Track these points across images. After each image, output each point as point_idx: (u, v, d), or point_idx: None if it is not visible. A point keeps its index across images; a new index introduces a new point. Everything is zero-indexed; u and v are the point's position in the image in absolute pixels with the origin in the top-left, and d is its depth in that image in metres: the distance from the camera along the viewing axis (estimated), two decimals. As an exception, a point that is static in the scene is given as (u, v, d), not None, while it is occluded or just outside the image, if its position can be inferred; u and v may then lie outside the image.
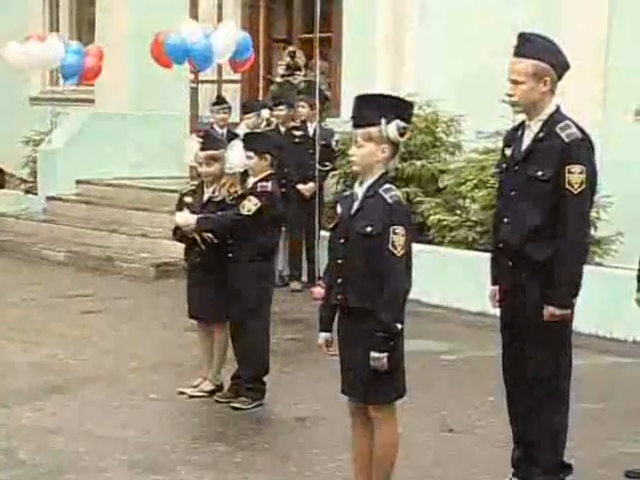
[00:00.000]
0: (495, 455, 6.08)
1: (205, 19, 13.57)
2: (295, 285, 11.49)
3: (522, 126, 5.51)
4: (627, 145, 10.54)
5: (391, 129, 4.98)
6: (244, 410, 7.14)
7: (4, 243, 14.15)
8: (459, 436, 6.67)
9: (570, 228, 5.25)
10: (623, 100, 10.78)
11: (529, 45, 5.32)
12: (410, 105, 5.29)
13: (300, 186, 11.37)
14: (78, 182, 15.20)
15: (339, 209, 5.25)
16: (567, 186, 5.23)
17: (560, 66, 5.34)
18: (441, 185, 11.41)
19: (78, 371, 8.13)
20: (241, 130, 10.77)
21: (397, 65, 12.74)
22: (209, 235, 7.25)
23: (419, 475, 5.95)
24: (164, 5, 14.22)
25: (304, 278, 11.58)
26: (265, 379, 7.33)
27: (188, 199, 7.53)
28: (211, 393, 7.43)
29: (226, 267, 7.24)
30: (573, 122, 5.34)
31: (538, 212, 5.32)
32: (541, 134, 5.35)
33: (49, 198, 15.11)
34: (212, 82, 13.77)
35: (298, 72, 13.77)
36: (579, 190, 5.24)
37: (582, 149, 5.29)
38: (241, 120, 12.17)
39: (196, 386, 7.49)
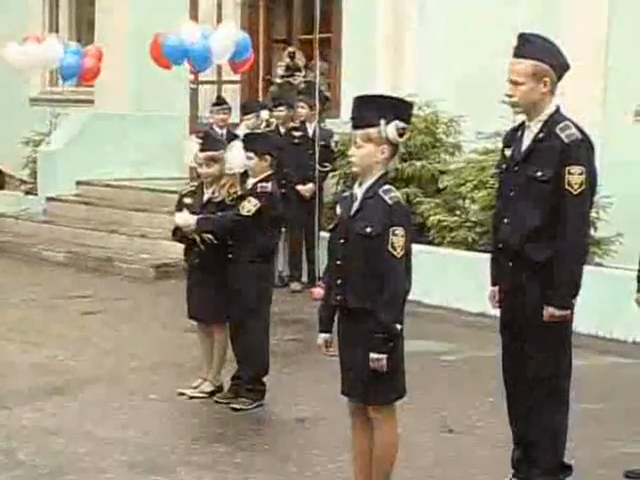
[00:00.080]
0: (495, 456, 6.07)
1: (205, 19, 13.57)
2: (295, 286, 11.49)
3: (522, 127, 5.51)
4: (627, 145, 10.54)
5: (390, 130, 4.97)
6: (244, 411, 7.13)
7: (4, 244, 14.14)
8: (459, 437, 6.67)
9: (570, 229, 5.25)
10: (623, 100, 10.77)
11: (529, 46, 5.32)
12: (409, 105, 5.29)
13: (300, 187, 11.37)
14: (78, 183, 15.20)
15: (339, 210, 5.25)
16: (567, 187, 5.23)
17: (560, 67, 5.35)
18: (441, 186, 11.42)
19: (78, 372, 8.13)
20: (241, 131, 10.77)
21: (397, 65, 12.74)
22: (209, 236, 7.25)
23: (419, 475, 5.94)
24: (164, 6, 14.23)
25: (304, 279, 11.58)
26: (265, 380, 7.33)
27: (188, 200, 7.52)
28: (211, 394, 7.43)
29: (226, 268, 7.24)
30: (573, 123, 5.35)
31: (538, 213, 5.32)
32: (541, 135, 5.35)
33: (49, 199, 15.11)
34: (212, 83, 13.77)
35: (298, 73, 13.77)
36: (579, 191, 5.24)
37: (582, 150, 5.29)
38: (241, 121, 12.17)
39: (196, 387, 7.49)
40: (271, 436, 6.80)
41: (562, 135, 5.27)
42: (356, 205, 5.08)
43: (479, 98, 11.01)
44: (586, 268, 5.40)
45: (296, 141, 11.48)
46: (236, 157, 7.38)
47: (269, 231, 7.29)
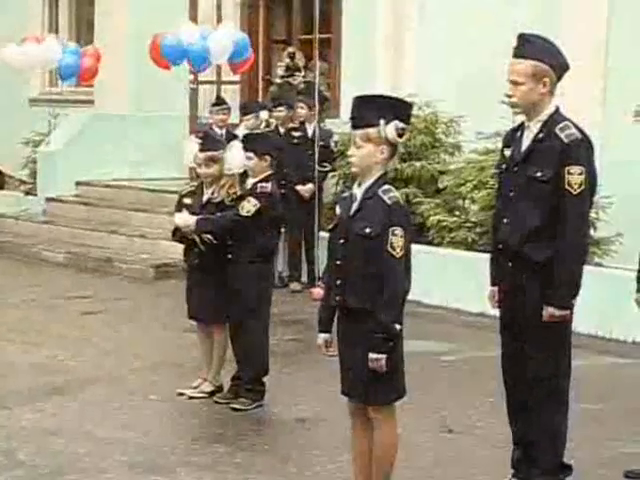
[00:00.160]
0: (495, 456, 6.07)
1: (204, 20, 13.57)
2: (295, 286, 11.49)
3: (522, 127, 5.51)
4: (627, 145, 10.54)
5: (390, 130, 4.97)
6: (244, 411, 7.13)
7: (4, 244, 14.15)
8: (459, 437, 6.67)
9: (570, 229, 5.25)
10: (623, 100, 10.77)
11: (529, 46, 5.32)
12: (409, 106, 5.29)
13: (299, 187, 11.37)
14: (78, 183, 15.20)
15: (338, 210, 5.25)
16: (567, 187, 5.23)
17: (560, 67, 5.35)
18: (441, 186, 11.42)
19: (78, 372, 8.13)
20: (240, 131, 10.77)
21: (397, 65, 12.74)
22: (208, 236, 7.25)
23: (419, 475, 5.94)
24: (163, 6, 14.23)
25: (304, 279, 11.58)
26: (265, 380, 7.32)
27: (187, 200, 7.52)
28: (211, 394, 7.43)
29: (225, 268, 7.24)
30: (572, 123, 5.35)
31: (538, 213, 5.32)
32: (540, 135, 5.35)
33: (49, 199, 15.11)
34: (211, 83, 13.77)
35: (297, 73, 13.77)
36: (578, 191, 5.24)
37: (581, 150, 5.29)
38: (240, 121, 12.17)
39: (196, 387, 7.49)
40: (271, 436, 6.80)
41: (562, 135, 5.27)
42: (355, 205, 5.08)
43: (479, 98, 11.01)
44: (586, 268, 5.40)
45: (296, 141, 11.48)
46: (236, 157, 7.38)
47: (269, 231, 7.29)
